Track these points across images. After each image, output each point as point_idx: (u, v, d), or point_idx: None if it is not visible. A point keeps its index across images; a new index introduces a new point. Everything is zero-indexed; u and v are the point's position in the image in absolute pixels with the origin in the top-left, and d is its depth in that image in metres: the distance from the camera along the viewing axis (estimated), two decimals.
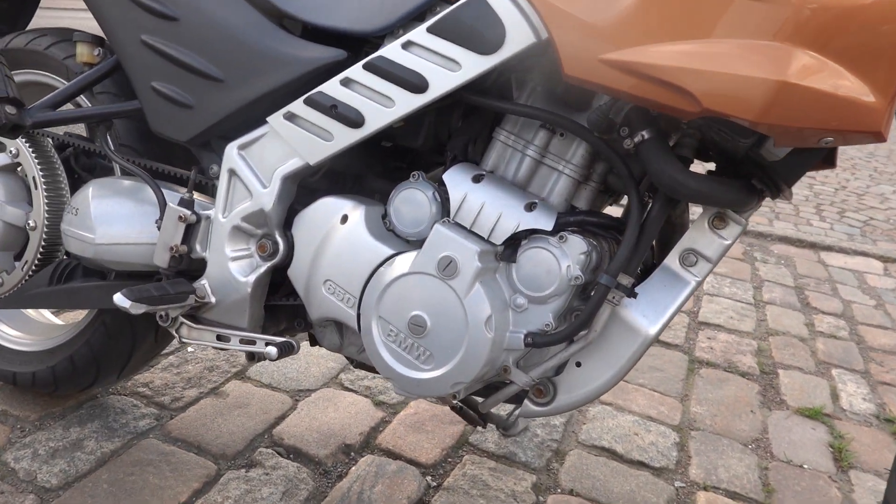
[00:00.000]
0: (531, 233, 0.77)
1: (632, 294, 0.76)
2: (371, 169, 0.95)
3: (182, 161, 1.01)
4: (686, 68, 0.62)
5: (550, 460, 1.27)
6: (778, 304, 2.19)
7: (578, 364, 0.81)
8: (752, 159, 0.72)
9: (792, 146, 0.68)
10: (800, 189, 3.81)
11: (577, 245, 0.76)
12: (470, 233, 0.78)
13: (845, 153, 5.23)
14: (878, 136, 0.60)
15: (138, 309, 0.82)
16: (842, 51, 0.57)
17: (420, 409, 1.37)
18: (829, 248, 2.81)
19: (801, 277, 2.46)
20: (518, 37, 0.71)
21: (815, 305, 2.21)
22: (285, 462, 1.17)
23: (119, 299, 0.81)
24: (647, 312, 0.78)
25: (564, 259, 0.75)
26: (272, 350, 0.83)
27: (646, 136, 0.72)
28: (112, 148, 1.03)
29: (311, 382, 1.42)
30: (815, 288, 2.37)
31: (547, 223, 0.76)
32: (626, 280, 0.76)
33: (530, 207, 0.77)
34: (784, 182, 0.71)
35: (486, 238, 0.78)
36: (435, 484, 1.17)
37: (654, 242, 0.87)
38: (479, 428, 1.30)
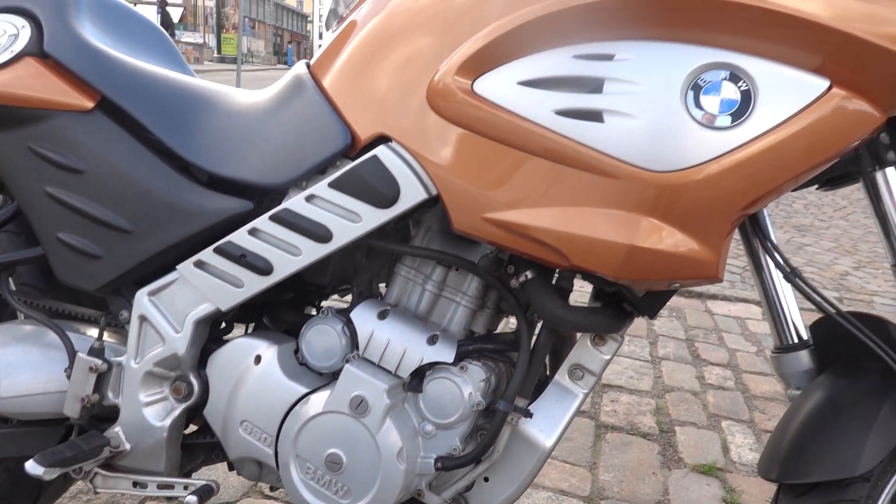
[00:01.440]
0: (434, 364, 0.84)
1: (528, 415, 0.84)
2: (282, 299, 1.00)
3: (90, 302, 1.02)
4: (557, 231, 0.72)
5: None
6: (672, 358, 2.36)
7: (486, 479, 0.88)
8: (622, 292, 0.83)
9: (648, 290, 0.79)
10: None
11: (477, 373, 0.83)
12: (378, 368, 0.84)
13: None
14: (715, 279, 0.72)
15: (52, 474, 0.82)
16: (678, 218, 0.69)
17: None
18: (713, 297, 3.06)
19: (690, 329, 2.66)
20: (411, 193, 0.79)
21: (705, 357, 2.40)
22: None
23: (31, 467, 0.81)
24: (544, 427, 0.86)
25: (466, 387, 0.83)
26: (192, 499, 0.85)
27: (529, 276, 0.82)
28: (13, 290, 1.02)
29: (230, 494, 1.41)
30: (703, 339, 2.57)
31: (448, 355, 0.84)
32: (521, 402, 0.84)
33: (432, 340, 0.85)
34: (647, 313, 0.82)
35: (393, 372, 0.84)
36: None
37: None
38: None
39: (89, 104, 0.90)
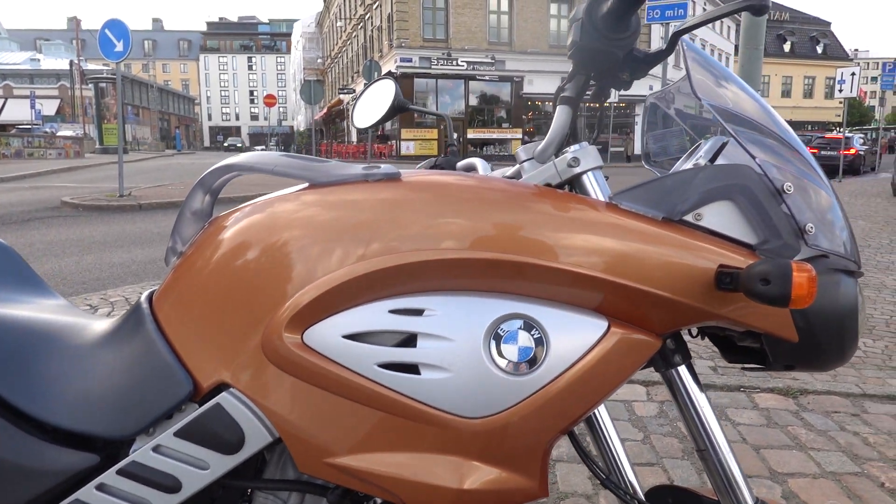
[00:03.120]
0: None
1: None
2: None
3: None
4: (393, 477, 0.77)
5: None
6: (565, 459, 2.45)
7: None
8: None
9: None
10: None
11: None
12: None
13: None
14: (541, 497, 0.79)
15: None
16: (496, 458, 0.76)
17: None
18: None
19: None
20: (256, 439, 0.83)
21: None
22: None
23: None
24: None
25: None
26: None
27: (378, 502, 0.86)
28: None
29: None
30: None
31: None
32: None
33: None
34: None
35: None
36: None
37: None
38: None
39: None
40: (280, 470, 0.92)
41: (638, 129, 10.28)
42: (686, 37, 0.85)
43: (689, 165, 0.89)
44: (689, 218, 0.81)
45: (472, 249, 0.77)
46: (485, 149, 30.71)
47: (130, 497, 0.84)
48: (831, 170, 20.06)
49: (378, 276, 0.78)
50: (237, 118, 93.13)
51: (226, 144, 75.18)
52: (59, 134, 31.79)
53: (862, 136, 27.78)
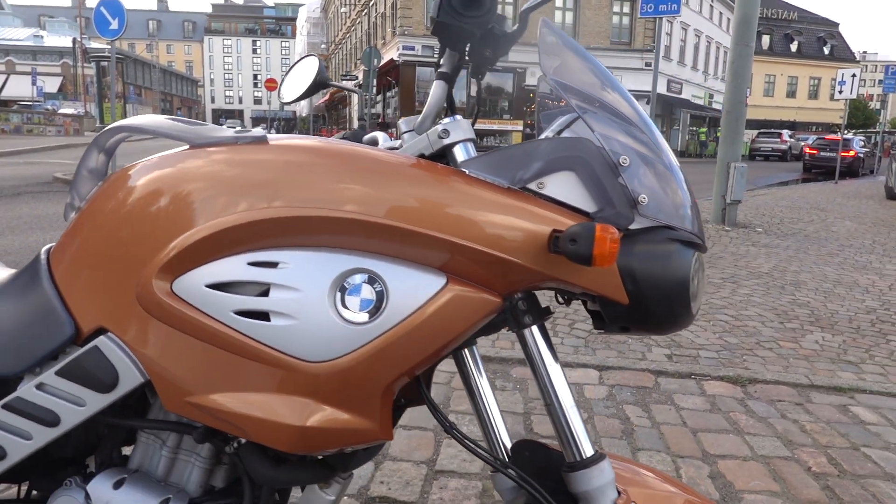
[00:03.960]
0: None
1: None
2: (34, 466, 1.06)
3: None
4: (241, 414, 0.84)
5: None
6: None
7: None
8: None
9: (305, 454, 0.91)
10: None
11: None
12: None
13: None
14: (383, 441, 0.86)
15: None
16: (337, 400, 0.83)
17: None
18: None
19: (530, 401, 2.85)
20: (128, 379, 0.89)
21: (537, 430, 2.58)
22: None
23: None
24: None
25: None
26: None
27: (241, 442, 0.93)
28: None
29: None
30: (540, 411, 2.76)
31: None
32: None
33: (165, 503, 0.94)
34: (344, 469, 0.96)
35: None
36: None
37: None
38: None
39: None
40: (163, 412, 0.99)
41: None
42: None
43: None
44: (532, 186, 0.87)
45: (324, 208, 0.83)
46: (485, 140, 30.70)
47: (13, 430, 0.91)
48: (829, 171, 20.09)
49: (239, 230, 0.84)
50: (240, 101, 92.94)
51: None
52: (60, 111, 31.80)
53: (863, 138, 27.76)
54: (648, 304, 0.87)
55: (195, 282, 0.86)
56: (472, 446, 0.94)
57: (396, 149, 1.04)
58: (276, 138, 0.91)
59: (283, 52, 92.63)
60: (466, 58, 0.99)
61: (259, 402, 0.84)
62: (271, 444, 0.83)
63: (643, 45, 30.50)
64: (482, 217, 0.84)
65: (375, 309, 0.82)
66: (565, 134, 0.94)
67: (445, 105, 1.02)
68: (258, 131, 0.91)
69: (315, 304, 0.82)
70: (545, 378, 0.95)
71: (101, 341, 0.90)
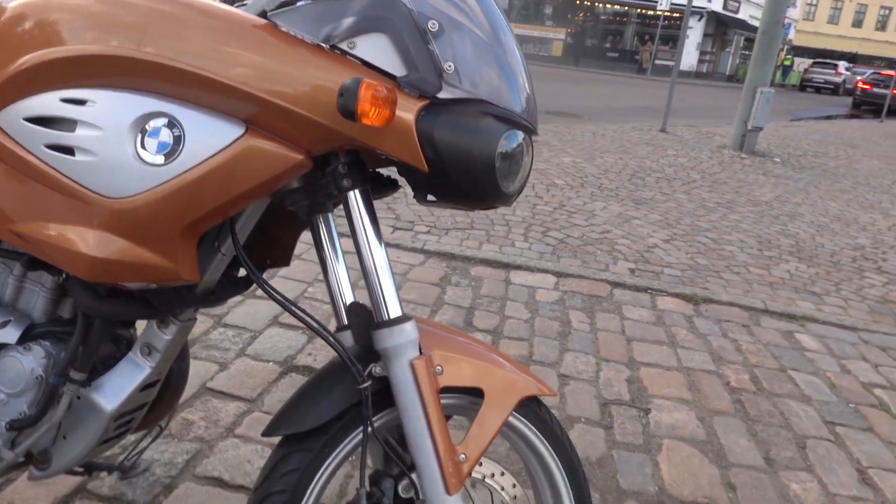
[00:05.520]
0: (3, 345, 1.02)
1: (84, 385, 1.03)
2: None
3: None
4: (47, 243, 0.89)
5: (158, 495, 1.53)
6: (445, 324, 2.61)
7: (65, 437, 1.07)
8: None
9: (124, 288, 0.97)
10: (521, 209, 4.40)
11: (38, 351, 1.01)
12: None
13: (581, 171, 6.02)
14: (183, 280, 0.91)
15: None
16: (132, 235, 0.88)
17: None
18: (518, 268, 3.34)
19: (479, 297, 2.93)
20: None
21: (475, 324, 2.67)
22: None
23: None
24: (108, 394, 1.05)
25: (28, 362, 1.01)
26: None
27: (67, 276, 0.99)
28: None
29: None
30: (485, 307, 2.84)
31: (12, 337, 1.01)
32: (78, 375, 1.02)
33: (3, 325, 1.02)
34: (167, 312, 1.02)
35: None
36: None
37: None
38: (104, 474, 1.53)
39: None
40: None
41: (681, 42, 9.78)
42: None
43: None
44: (343, 45, 0.87)
45: (128, 48, 0.85)
46: (523, 46, 29.57)
47: None
48: (878, 109, 19.13)
49: (53, 65, 0.87)
50: None
51: None
52: None
53: None
54: (449, 174, 0.89)
55: (15, 115, 0.89)
56: (279, 297, 0.99)
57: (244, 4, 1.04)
58: None
59: None
60: None
61: (64, 232, 0.89)
62: (74, 272, 0.90)
63: None
64: (284, 72, 0.85)
65: (172, 152, 0.86)
66: None
67: None
68: None
69: (115, 142, 0.86)
70: (363, 241, 0.98)
71: None
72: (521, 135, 0.95)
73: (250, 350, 2.21)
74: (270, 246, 1.22)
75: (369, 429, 0.95)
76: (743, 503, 1.80)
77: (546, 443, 1.13)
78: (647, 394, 2.28)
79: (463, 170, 0.89)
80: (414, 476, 0.98)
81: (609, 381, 2.34)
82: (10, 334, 1.02)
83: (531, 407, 1.12)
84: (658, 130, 9.06)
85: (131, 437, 1.70)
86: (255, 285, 1.09)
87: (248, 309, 2.48)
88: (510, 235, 3.85)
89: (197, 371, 2.04)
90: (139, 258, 0.89)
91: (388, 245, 3.36)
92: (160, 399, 1.29)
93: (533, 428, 1.12)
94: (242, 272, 1.20)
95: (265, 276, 1.22)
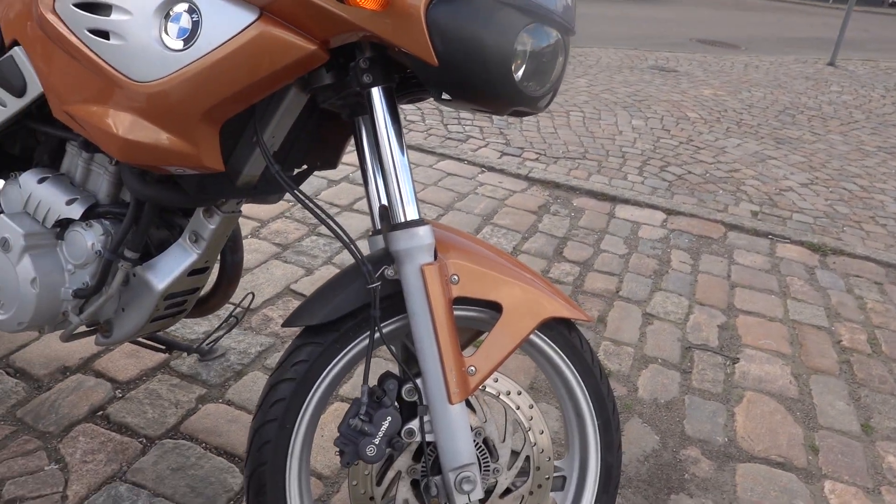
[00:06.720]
0: (72, 220, 1.12)
1: (136, 264, 1.12)
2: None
3: None
4: (90, 123, 0.95)
5: (229, 379, 1.66)
6: (532, 253, 2.56)
7: (123, 310, 1.18)
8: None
9: (154, 171, 1.01)
10: (643, 142, 4.13)
11: (98, 228, 1.11)
12: (30, 219, 1.13)
13: (721, 105, 5.50)
14: (206, 169, 0.94)
15: None
16: (157, 119, 0.91)
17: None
18: (626, 202, 3.17)
19: (575, 228, 2.82)
20: (33, 87, 1.04)
21: (565, 254, 2.58)
22: (7, 378, 1.55)
23: None
24: (159, 274, 1.14)
25: (90, 238, 1.10)
26: None
27: (113, 163, 1.06)
28: None
29: None
30: (580, 238, 2.73)
31: (76, 213, 1.11)
32: (130, 254, 1.11)
33: (70, 202, 1.12)
34: (200, 203, 1.07)
35: (41, 223, 1.12)
36: (120, 395, 1.56)
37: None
38: (185, 355, 1.68)
39: None
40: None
41: None
42: None
43: None
44: None
45: None
46: None
47: None
48: None
49: None
50: None
51: None
52: None
53: None
54: (459, 67, 0.84)
55: (66, 1, 0.95)
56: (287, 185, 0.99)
57: None
58: None
59: None
60: None
61: (101, 113, 0.94)
62: (109, 152, 0.95)
63: None
64: None
65: (190, 37, 0.87)
66: None
67: None
68: None
69: (141, 27, 0.89)
70: (384, 141, 0.95)
71: (15, 52, 1.04)
72: (552, 32, 0.86)
73: (337, 259, 2.30)
74: (321, 149, 1.23)
75: (376, 328, 0.95)
76: (823, 467, 1.64)
77: (574, 369, 1.09)
78: (739, 343, 2.12)
79: (476, 65, 0.83)
80: (419, 382, 0.98)
81: (698, 325, 2.19)
82: (75, 210, 1.11)
83: (560, 330, 1.07)
84: (825, 64, 8.05)
85: (214, 323, 1.85)
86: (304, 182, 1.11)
87: (343, 220, 2.56)
88: (623, 168, 3.65)
89: (284, 273, 2.16)
90: (163, 142, 0.92)
91: (492, 171, 3.31)
92: (216, 289, 1.38)
93: (560, 352, 1.08)
94: (295, 171, 1.22)
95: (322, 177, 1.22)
